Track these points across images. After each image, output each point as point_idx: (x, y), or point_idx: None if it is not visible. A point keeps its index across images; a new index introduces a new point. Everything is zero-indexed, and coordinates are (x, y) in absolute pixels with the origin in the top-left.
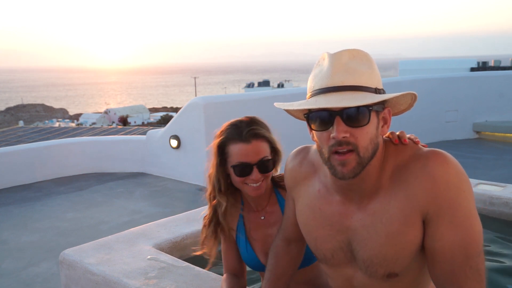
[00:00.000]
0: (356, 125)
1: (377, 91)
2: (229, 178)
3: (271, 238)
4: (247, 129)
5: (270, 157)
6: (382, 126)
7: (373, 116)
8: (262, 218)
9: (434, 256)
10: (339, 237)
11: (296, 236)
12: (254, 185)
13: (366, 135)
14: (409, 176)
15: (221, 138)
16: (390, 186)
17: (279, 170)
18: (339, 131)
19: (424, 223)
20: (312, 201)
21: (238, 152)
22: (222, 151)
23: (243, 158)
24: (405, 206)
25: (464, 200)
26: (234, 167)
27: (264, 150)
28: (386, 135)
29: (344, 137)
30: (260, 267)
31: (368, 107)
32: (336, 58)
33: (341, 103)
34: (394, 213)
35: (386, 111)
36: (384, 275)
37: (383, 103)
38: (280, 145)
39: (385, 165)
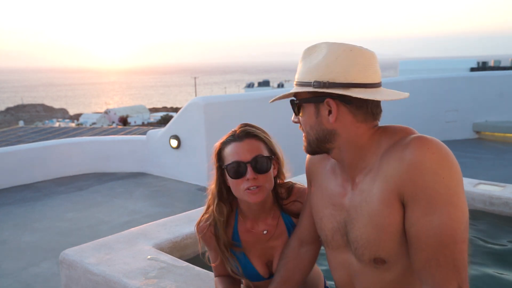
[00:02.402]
0: (297, 114)
1: (315, 84)
2: (230, 191)
3: (272, 250)
4: (240, 129)
5: (266, 155)
6: (329, 115)
7: (308, 107)
8: (265, 232)
9: (410, 240)
10: (339, 217)
11: (310, 237)
12: (252, 188)
13: (306, 123)
14: (391, 157)
15: (218, 147)
16: (378, 167)
17: (285, 179)
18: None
19: (404, 206)
20: (322, 181)
21: (231, 151)
22: (219, 158)
23: (236, 157)
24: (385, 186)
25: (442, 187)
26: (227, 167)
27: (259, 148)
28: None
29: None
30: (261, 279)
31: (294, 101)
32: (302, 55)
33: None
34: (376, 192)
35: (330, 101)
36: (371, 260)
37: (320, 96)
38: (280, 149)
39: (378, 147)
